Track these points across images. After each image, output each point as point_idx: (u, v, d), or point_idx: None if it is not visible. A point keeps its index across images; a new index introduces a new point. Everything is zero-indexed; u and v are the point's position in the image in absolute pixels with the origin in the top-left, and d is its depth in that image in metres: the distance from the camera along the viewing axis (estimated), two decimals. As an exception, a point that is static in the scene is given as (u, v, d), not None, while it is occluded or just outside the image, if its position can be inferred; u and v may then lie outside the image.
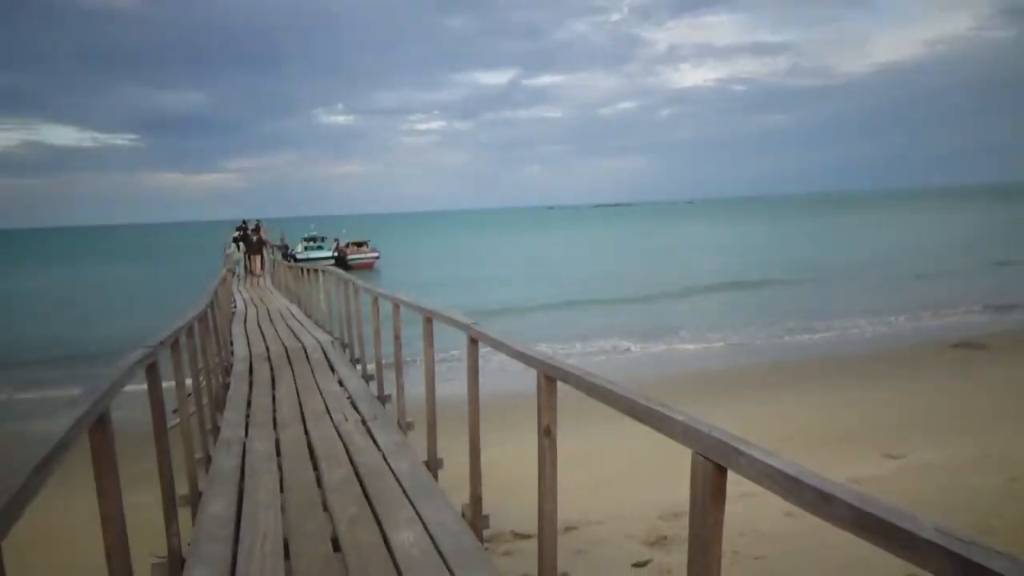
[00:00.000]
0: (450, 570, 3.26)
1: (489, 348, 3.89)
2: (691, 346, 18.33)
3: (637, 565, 6.37)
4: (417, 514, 3.94)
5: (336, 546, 3.66)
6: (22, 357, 20.41)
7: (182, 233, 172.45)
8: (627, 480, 8.19)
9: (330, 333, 11.37)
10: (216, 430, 6.08)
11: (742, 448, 1.73)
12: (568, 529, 7.43)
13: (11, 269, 66.66)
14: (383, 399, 7.05)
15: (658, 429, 2.08)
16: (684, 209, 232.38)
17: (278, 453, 5.36)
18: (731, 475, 1.82)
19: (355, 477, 4.66)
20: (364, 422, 6.04)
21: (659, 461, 8.57)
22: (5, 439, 11.21)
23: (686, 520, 6.35)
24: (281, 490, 4.53)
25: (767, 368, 14.71)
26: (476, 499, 4.03)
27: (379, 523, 3.85)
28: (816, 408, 10.50)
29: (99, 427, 2.36)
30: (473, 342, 3.99)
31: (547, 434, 2.90)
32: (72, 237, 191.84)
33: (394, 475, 4.62)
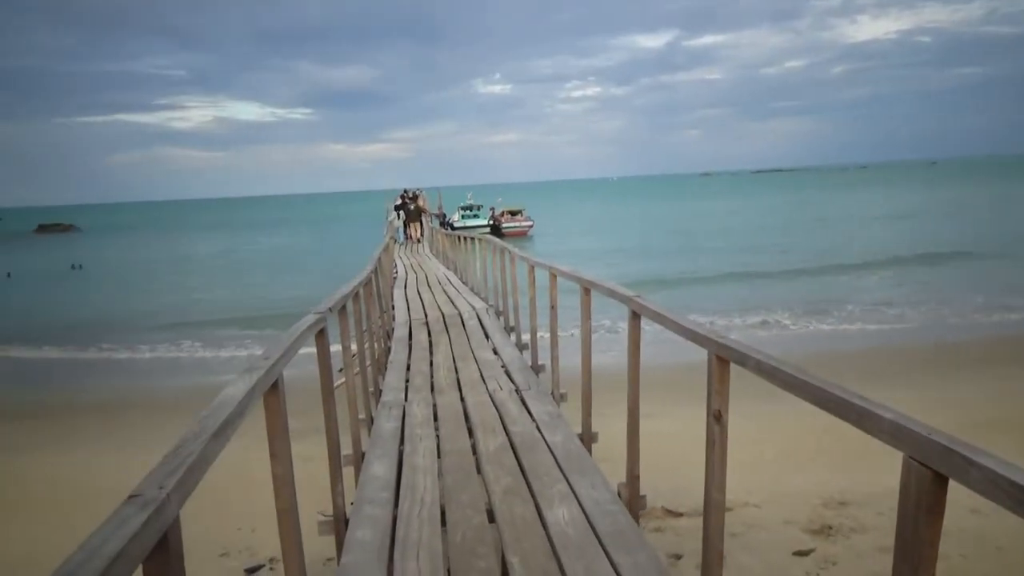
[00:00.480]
0: (606, 552, 3.13)
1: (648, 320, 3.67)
2: (862, 325, 16.99)
3: (799, 554, 5.97)
4: (571, 489, 3.84)
5: (491, 517, 3.64)
6: (202, 318, 22.57)
7: (349, 201, 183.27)
8: (787, 461, 7.71)
9: (485, 300, 11.54)
10: (378, 392, 6.30)
11: (974, 457, 1.43)
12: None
13: (204, 235, 73.91)
14: (536, 369, 7.01)
15: (858, 425, 1.81)
16: (857, 174, 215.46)
17: (435, 418, 5.46)
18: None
19: (509, 447, 4.64)
20: (518, 391, 6.02)
21: (824, 443, 8.00)
22: (183, 394, 12.43)
23: (854, 510, 5.83)
24: (438, 455, 4.60)
25: (947, 349, 13.35)
26: (633, 478, 3.87)
27: (533, 496, 3.79)
28: (1007, 395, 9.36)
29: (273, 392, 2.42)
30: (635, 316, 3.79)
31: (718, 420, 2.66)
32: (255, 206, 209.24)
33: (548, 447, 4.55)
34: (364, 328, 6.29)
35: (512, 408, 5.51)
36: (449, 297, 12.08)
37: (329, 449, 3.60)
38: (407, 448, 4.66)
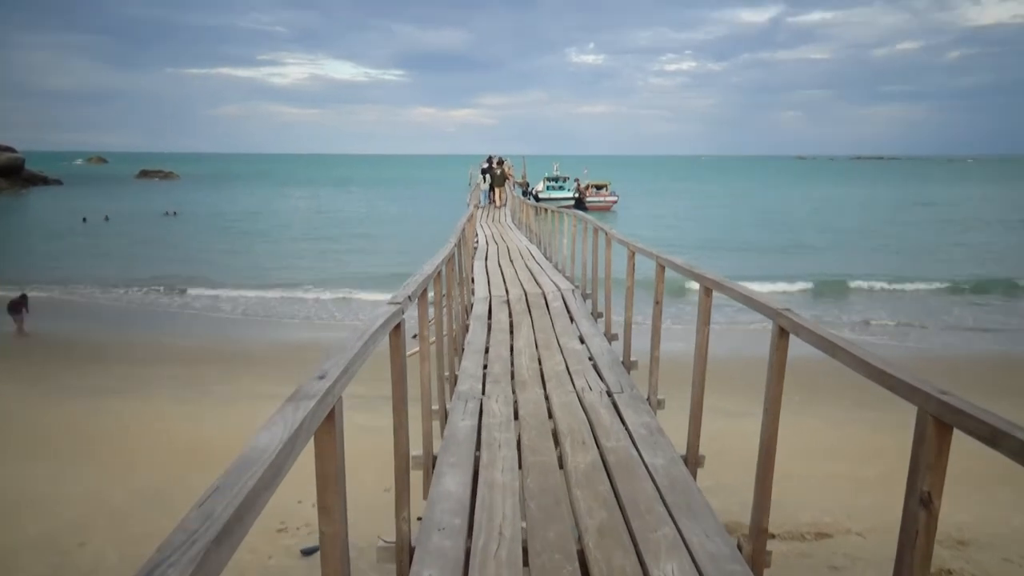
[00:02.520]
0: None
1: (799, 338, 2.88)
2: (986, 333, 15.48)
3: None
4: (680, 535, 3.14)
5: (583, 564, 2.99)
6: (280, 279, 22.74)
7: (436, 165, 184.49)
8: (896, 482, 6.75)
9: (570, 280, 10.82)
10: (453, 378, 5.73)
11: None
12: (820, 536, 6.29)
13: (295, 190, 75.55)
14: (628, 366, 6.29)
15: None
16: (966, 167, 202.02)
17: (515, 417, 4.84)
18: None
19: (602, 467, 3.96)
20: (610, 394, 5.33)
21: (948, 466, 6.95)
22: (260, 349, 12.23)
23: (975, 552, 4.83)
24: (519, 465, 3.98)
25: None
26: (760, 531, 3.13)
27: (634, 541, 3.11)
28: None
29: (326, 427, 1.79)
30: (783, 333, 3.00)
31: (925, 505, 1.90)
32: (344, 164, 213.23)
33: (648, 471, 3.86)
34: (443, 306, 5.71)
35: (604, 415, 4.82)
36: (532, 273, 11.41)
37: (396, 467, 3.01)
38: (484, 457, 4.05)
